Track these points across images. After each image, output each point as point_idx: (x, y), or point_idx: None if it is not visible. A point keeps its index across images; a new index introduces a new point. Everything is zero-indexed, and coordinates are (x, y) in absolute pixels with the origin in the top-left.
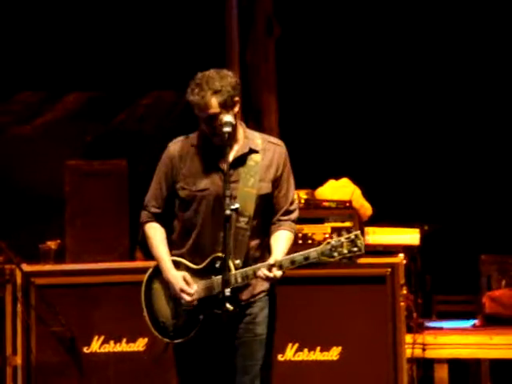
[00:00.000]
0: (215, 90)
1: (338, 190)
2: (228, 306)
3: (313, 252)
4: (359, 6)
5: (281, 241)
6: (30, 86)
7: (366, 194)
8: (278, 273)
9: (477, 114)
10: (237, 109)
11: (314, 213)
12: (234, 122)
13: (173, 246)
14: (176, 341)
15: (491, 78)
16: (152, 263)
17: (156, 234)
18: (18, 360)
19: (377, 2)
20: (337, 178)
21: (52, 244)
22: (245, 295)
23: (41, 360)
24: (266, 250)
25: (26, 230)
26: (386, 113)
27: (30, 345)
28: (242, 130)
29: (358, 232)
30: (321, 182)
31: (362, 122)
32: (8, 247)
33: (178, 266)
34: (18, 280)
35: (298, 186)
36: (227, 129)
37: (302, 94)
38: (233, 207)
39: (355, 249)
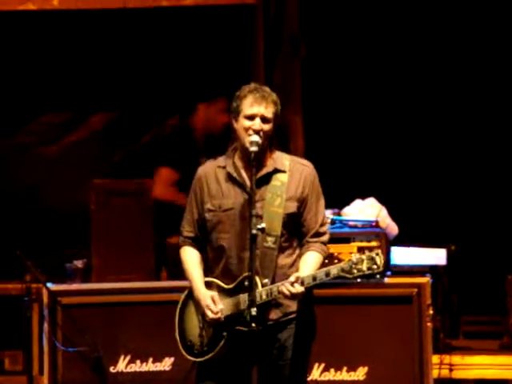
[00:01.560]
0: (275, 99)
1: (365, 209)
2: (252, 324)
3: (333, 268)
4: (385, 26)
5: (308, 261)
6: (55, 107)
7: (393, 214)
8: (300, 288)
9: (504, 139)
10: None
11: (340, 232)
12: (260, 142)
13: (207, 271)
14: (200, 359)
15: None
16: (180, 283)
17: (189, 257)
18: (45, 380)
19: (402, 22)
20: (363, 197)
21: (78, 263)
22: (274, 314)
23: (67, 380)
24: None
25: (53, 250)
26: (413, 133)
27: (56, 364)
28: (268, 151)
29: (379, 250)
30: (347, 202)
31: (388, 142)
32: (35, 266)
33: (210, 286)
34: (45, 299)
35: (325, 206)
36: (254, 148)
37: (328, 114)
38: (259, 227)
39: (375, 266)
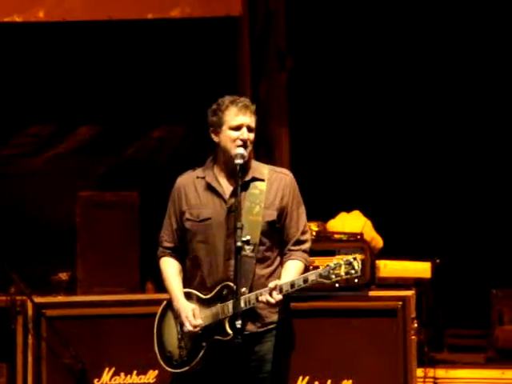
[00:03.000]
0: (254, 108)
1: (349, 222)
2: (229, 331)
3: (311, 275)
4: (371, 39)
5: (290, 269)
6: (41, 120)
7: (377, 227)
8: (277, 297)
9: (495, 149)
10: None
11: (324, 245)
12: (245, 154)
13: (185, 281)
14: (179, 370)
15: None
16: (164, 295)
17: (168, 267)
18: None
19: (388, 35)
20: (348, 210)
21: (63, 275)
22: (253, 325)
23: None
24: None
25: (38, 262)
26: (397, 147)
27: (40, 376)
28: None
29: (357, 255)
30: (332, 215)
31: (373, 155)
32: (19, 279)
33: (189, 297)
34: (29, 311)
35: (310, 219)
36: (239, 161)
37: (314, 126)
38: (244, 239)
39: (352, 271)
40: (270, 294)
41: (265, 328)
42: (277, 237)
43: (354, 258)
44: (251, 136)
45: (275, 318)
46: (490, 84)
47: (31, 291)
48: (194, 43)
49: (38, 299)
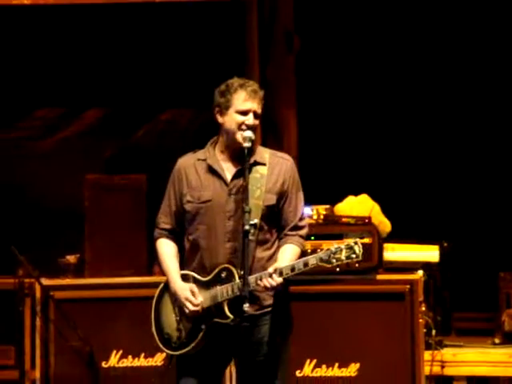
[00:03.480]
0: (262, 94)
1: (357, 206)
2: (229, 314)
3: (311, 258)
4: (380, 20)
5: (286, 253)
6: (49, 103)
7: (385, 211)
8: (278, 279)
9: (500, 136)
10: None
11: (332, 229)
12: (253, 138)
13: (183, 264)
14: (178, 352)
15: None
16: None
17: (165, 249)
18: (37, 374)
19: (397, 17)
20: (356, 194)
21: (71, 258)
22: (250, 307)
23: (59, 374)
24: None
25: (46, 245)
26: (406, 130)
27: (48, 359)
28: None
29: (358, 239)
30: (340, 198)
31: (382, 138)
32: (27, 261)
33: (186, 278)
34: (37, 294)
35: (317, 202)
36: (247, 144)
37: (322, 109)
38: (252, 222)
39: (353, 255)
40: (271, 277)
41: (262, 311)
42: (275, 220)
43: (355, 243)
44: (256, 122)
45: (271, 300)
46: (493, 69)
47: (39, 274)
48: (203, 26)
49: (46, 282)
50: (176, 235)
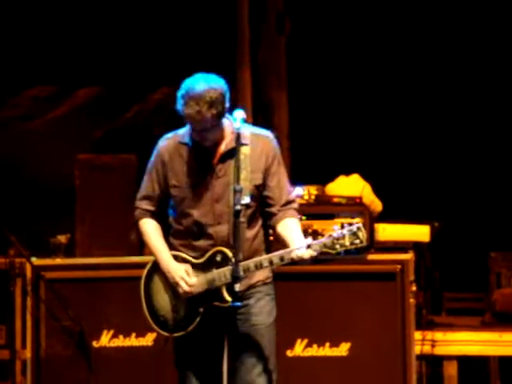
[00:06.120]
0: (210, 102)
1: (349, 186)
2: (227, 297)
3: (315, 245)
4: (371, 3)
5: (294, 227)
6: (41, 81)
7: (377, 191)
8: (313, 253)
9: (490, 113)
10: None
11: (324, 209)
12: (245, 117)
13: (170, 246)
14: (176, 334)
15: (502, 77)
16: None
17: (151, 228)
18: (28, 354)
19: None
20: (347, 174)
21: (62, 238)
22: (242, 286)
23: (50, 354)
24: (262, 240)
25: (36, 224)
26: (397, 109)
27: (39, 339)
28: (229, 125)
29: (360, 224)
30: (331, 178)
31: (372, 118)
32: (18, 241)
33: (175, 259)
34: (28, 274)
35: (309, 182)
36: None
37: (313, 90)
38: (243, 202)
39: (357, 241)
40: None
41: (253, 288)
42: (259, 199)
43: (358, 228)
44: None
45: (256, 278)
46: (490, 58)
47: (30, 253)
48: (194, 6)
49: (36, 261)
50: (159, 216)
